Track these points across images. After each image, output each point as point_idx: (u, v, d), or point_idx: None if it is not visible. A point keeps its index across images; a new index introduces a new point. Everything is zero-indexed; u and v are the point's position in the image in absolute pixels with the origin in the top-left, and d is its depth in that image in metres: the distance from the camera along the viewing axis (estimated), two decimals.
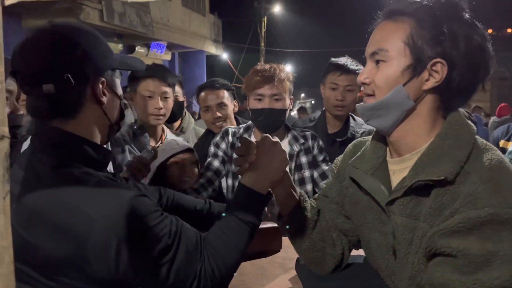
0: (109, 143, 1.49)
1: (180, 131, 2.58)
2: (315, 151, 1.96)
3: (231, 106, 2.38)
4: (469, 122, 0.96)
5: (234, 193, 1.10)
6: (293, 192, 1.20)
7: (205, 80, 3.39)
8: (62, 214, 0.87)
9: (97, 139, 1.02)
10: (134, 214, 0.88)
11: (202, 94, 2.37)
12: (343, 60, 2.22)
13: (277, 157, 1.10)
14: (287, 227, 1.22)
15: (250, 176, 1.07)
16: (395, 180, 1.00)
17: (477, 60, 0.92)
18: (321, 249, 1.19)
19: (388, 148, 1.06)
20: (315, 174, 1.95)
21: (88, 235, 0.85)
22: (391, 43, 0.94)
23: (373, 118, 1.00)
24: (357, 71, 2.18)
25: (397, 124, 0.98)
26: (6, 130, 0.53)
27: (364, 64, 2.31)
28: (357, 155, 1.12)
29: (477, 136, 0.94)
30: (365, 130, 2.31)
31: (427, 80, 0.93)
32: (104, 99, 1.00)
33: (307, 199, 1.24)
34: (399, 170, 1.00)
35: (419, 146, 0.97)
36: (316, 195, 1.30)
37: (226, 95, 2.35)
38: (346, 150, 1.24)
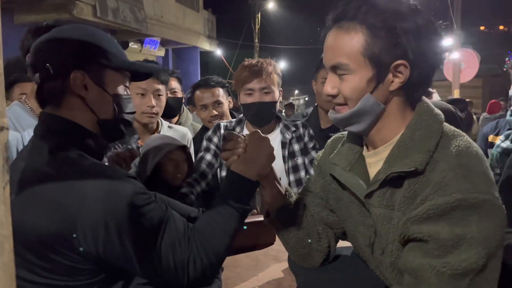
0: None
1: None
2: (306, 138, 2.01)
3: (227, 103, 2.40)
4: (437, 110, 0.98)
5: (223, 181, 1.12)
6: (280, 188, 1.21)
7: (199, 76, 3.40)
8: (55, 192, 0.91)
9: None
10: (123, 194, 0.91)
11: (198, 92, 2.39)
12: None
13: (264, 151, 1.12)
14: (274, 224, 1.24)
15: (239, 165, 1.09)
16: (372, 172, 1.03)
17: (430, 48, 0.93)
18: (307, 245, 1.21)
19: (363, 142, 1.08)
20: (306, 160, 1.99)
21: (79, 211, 0.88)
22: (349, 56, 0.94)
23: (348, 126, 1.02)
24: None
25: (372, 126, 1.00)
26: (5, 121, 0.55)
27: None
28: (335, 151, 1.14)
29: (445, 123, 0.97)
30: None
31: (392, 81, 0.95)
32: (85, 93, 1.01)
33: (292, 194, 1.26)
34: (374, 163, 1.03)
35: (391, 138, 1.00)
36: (300, 190, 1.32)
37: (221, 93, 2.38)
38: (326, 145, 1.26)
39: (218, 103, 2.36)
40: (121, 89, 1.09)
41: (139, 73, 1.17)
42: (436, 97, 3.97)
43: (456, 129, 0.97)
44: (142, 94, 1.97)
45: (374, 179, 0.99)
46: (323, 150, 1.26)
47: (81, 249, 0.90)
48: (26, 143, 1.50)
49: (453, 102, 5.00)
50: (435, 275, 0.83)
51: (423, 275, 0.84)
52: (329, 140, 1.26)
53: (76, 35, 1.03)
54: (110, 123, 1.07)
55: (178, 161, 1.83)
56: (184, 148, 1.88)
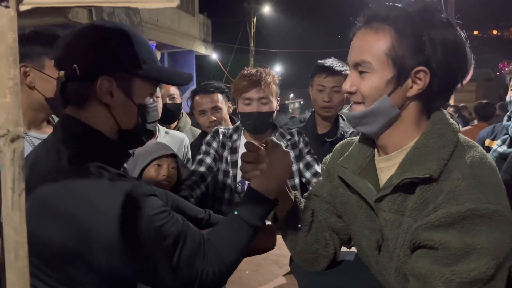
0: None
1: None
2: (301, 144, 2.04)
3: (226, 108, 2.42)
4: (452, 120, 1.00)
5: (243, 196, 1.11)
6: (289, 194, 1.21)
7: (195, 80, 3.42)
8: (71, 204, 0.88)
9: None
10: (142, 212, 0.89)
11: (197, 98, 2.41)
12: (329, 62, 2.26)
13: (286, 166, 1.12)
14: (282, 229, 1.24)
15: (261, 182, 1.07)
16: (384, 177, 1.04)
17: (455, 63, 0.95)
18: (314, 251, 1.21)
19: (375, 147, 1.10)
20: (301, 165, 2.02)
21: (93, 225, 0.86)
22: (373, 55, 0.96)
23: (360, 125, 1.03)
24: (343, 72, 2.23)
25: (383, 129, 1.01)
26: (21, 130, 0.56)
27: None
28: (345, 155, 1.15)
29: (459, 134, 0.98)
30: (354, 130, 2.36)
31: (411, 87, 0.96)
32: (110, 100, 0.97)
33: (302, 201, 1.26)
34: (386, 168, 1.04)
35: (405, 144, 1.00)
36: (306, 195, 1.32)
37: (220, 99, 2.39)
38: (334, 150, 1.27)
39: (217, 108, 2.38)
40: (147, 98, 1.04)
41: (171, 81, 1.13)
42: None
43: (470, 140, 0.98)
44: None
45: (387, 183, 0.99)
46: (330, 154, 1.27)
47: (94, 263, 0.88)
48: None
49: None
50: (444, 282, 0.84)
51: (431, 281, 0.86)
52: (337, 145, 1.27)
53: (108, 38, 0.97)
54: (130, 133, 1.02)
55: (166, 168, 1.83)
56: (174, 155, 1.89)
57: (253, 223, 1.04)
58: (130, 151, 1.07)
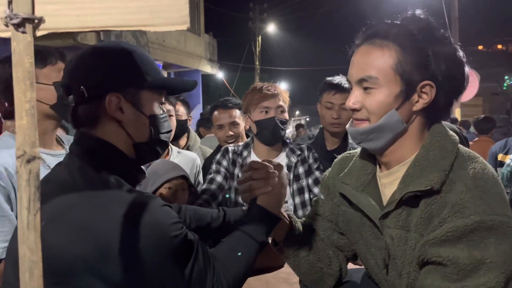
0: None
1: (187, 149, 2.63)
2: (310, 160, 2.05)
3: (243, 124, 2.47)
4: (451, 132, 1.00)
5: (248, 212, 1.11)
6: (284, 215, 1.20)
7: (201, 99, 3.50)
8: (89, 214, 0.87)
9: None
10: (158, 222, 0.89)
11: (216, 113, 2.51)
12: (337, 79, 2.28)
13: (286, 185, 1.14)
14: (283, 252, 1.22)
15: (268, 199, 1.08)
16: (387, 193, 1.03)
17: (458, 76, 0.97)
18: (319, 271, 1.20)
19: (377, 162, 1.09)
20: (310, 180, 2.03)
21: (112, 235, 0.85)
22: (380, 70, 0.96)
23: (366, 141, 1.02)
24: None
25: (389, 145, 1.01)
26: (36, 151, 0.57)
27: None
28: (346, 170, 1.14)
29: (460, 145, 0.99)
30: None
31: (417, 101, 0.97)
32: (121, 115, 0.98)
33: (297, 220, 1.25)
34: (389, 183, 1.04)
35: (406, 158, 1.01)
36: (307, 214, 1.31)
37: (238, 114, 2.48)
38: (333, 164, 1.26)
39: (234, 124, 2.47)
40: (157, 109, 1.05)
41: (176, 89, 1.14)
42: None
43: (471, 151, 0.99)
44: None
45: (390, 199, 0.99)
46: (329, 169, 1.26)
47: (108, 275, 0.86)
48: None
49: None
50: None
51: None
52: (336, 159, 1.27)
53: (110, 56, 0.99)
54: (145, 145, 1.03)
55: (176, 190, 1.83)
56: (185, 177, 1.89)
57: (260, 239, 1.05)
58: (144, 168, 1.08)
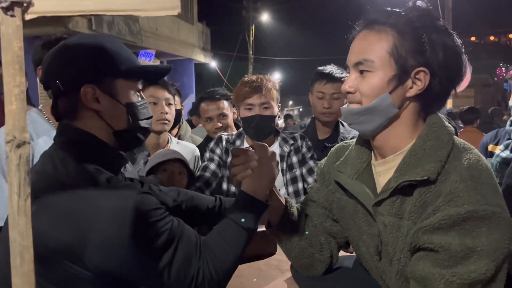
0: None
1: (178, 139, 2.63)
2: (304, 149, 2.05)
3: (231, 115, 2.46)
4: (447, 123, 1.01)
5: (234, 199, 1.13)
6: (280, 199, 1.22)
7: (194, 88, 3.48)
8: (72, 202, 0.91)
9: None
10: (137, 209, 0.91)
11: (203, 105, 2.47)
12: (328, 69, 2.28)
13: (273, 166, 1.13)
14: (277, 235, 1.24)
15: (251, 184, 1.09)
16: (381, 181, 1.04)
17: (454, 66, 0.98)
18: (310, 256, 1.22)
19: (372, 151, 1.10)
20: (304, 170, 2.03)
21: (92, 225, 0.88)
22: (376, 53, 0.98)
23: (356, 123, 1.04)
24: (342, 79, 2.24)
25: (379, 129, 1.02)
26: (27, 136, 0.57)
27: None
28: (341, 159, 1.16)
29: (455, 137, 1.00)
30: (355, 136, 2.37)
31: (411, 88, 0.98)
32: (97, 106, 1.01)
33: (293, 205, 1.26)
34: (384, 172, 1.05)
35: (401, 147, 1.02)
36: (302, 200, 1.32)
37: (225, 105, 2.45)
38: (329, 153, 1.27)
39: (222, 115, 2.44)
40: (134, 97, 1.08)
41: (151, 75, 1.16)
42: None
43: (466, 143, 1.00)
44: (155, 103, 2.00)
45: (385, 187, 1.00)
46: (325, 158, 1.27)
47: (88, 261, 0.89)
48: (39, 149, 1.54)
49: None
50: (444, 284, 0.85)
51: (432, 283, 0.86)
52: (333, 148, 1.28)
53: (82, 48, 1.02)
54: (126, 133, 1.06)
55: (173, 172, 1.84)
56: (182, 161, 1.90)
57: (246, 225, 1.05)
58: (127, 155, 1.11)
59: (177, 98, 2.59)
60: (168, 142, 2.17)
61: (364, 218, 1.08)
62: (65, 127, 1.04)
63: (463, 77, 1.01)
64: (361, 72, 1.01)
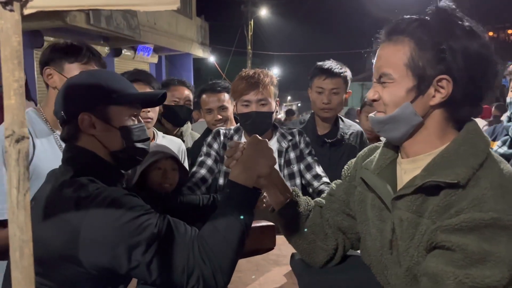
0: None
1: (180, 135, 2.64)
2: (302, 145, 2.04)
3: (231, 107, 2.46)
4: (485, 133, 1.00)
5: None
6: (284, 189, 1.26)
7: (192, 83, 3.48)
8: (65, 207, 1.02)
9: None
10: (121, 207, 1.02)
11: (204, 96, 2.48)
12: (328, 64, 2.27)
13: (262, 153, 1.17)
14: (279, 219, 1.30)
15: (237, 172, 1.14)
16: (406, 178, 1.04)
17: (478, 72, 0.95)
18: (312, 242, 1.24)
19: (399, 150, 1.11)
20: (301, 166, 2.02)
21: (81, 223, 0.99)
22: (393, 67, 0.99)
23: (383, 131, 1.06)
24: (341, 74, 2.25)
25: (406, 137, 1.03)
26: (25, 131, 0.57)
27: (349, 66, 2.35)
28: (370, 158, 1.18)
29: (491, 148, 0.99)
30: (353, 131, 2.37)
31: (434, 96, 0.97)
32: (93, 130, 1.15)
33: (299, 194, 1.30)
34: (410, 169, 1.05)
35: (431, 149, 1.01)
36: (323, 195, 1.35)
37: (226, 98, 2.45)
38: (360, 153, 1.29)
39: (223, 107, 2.44)
40: (128, 121, 1.19)
41: (143, 100, 1.26)
42: None
43: (499, 156, 0.99)
44: None
45: (409, 183, 1.00)
46: (355, 159, 1.29)
47: (84, 260, 0.99)
48: (37, 150, 1.57)
49: None
50: (456, 283, 0.84)
51: (444, 281, 0.86)
52: (365, 148, 1.30)
53: (80, 83, 1.17)
54: (121, 153, 1.19)
55: (166, 170, 1.83)
56: (174, 157, 1.89)
57: (235, 213, 1.07)
58: (124, 172, 1.25)
59: (191, 95, 2.61)
60: (154, 138, 2.17)
61: (379, 212, 1.09)
62: (68, 147, 1.19)
63: (493, 82, 0.98)
64: (383, 83, 1.02)
